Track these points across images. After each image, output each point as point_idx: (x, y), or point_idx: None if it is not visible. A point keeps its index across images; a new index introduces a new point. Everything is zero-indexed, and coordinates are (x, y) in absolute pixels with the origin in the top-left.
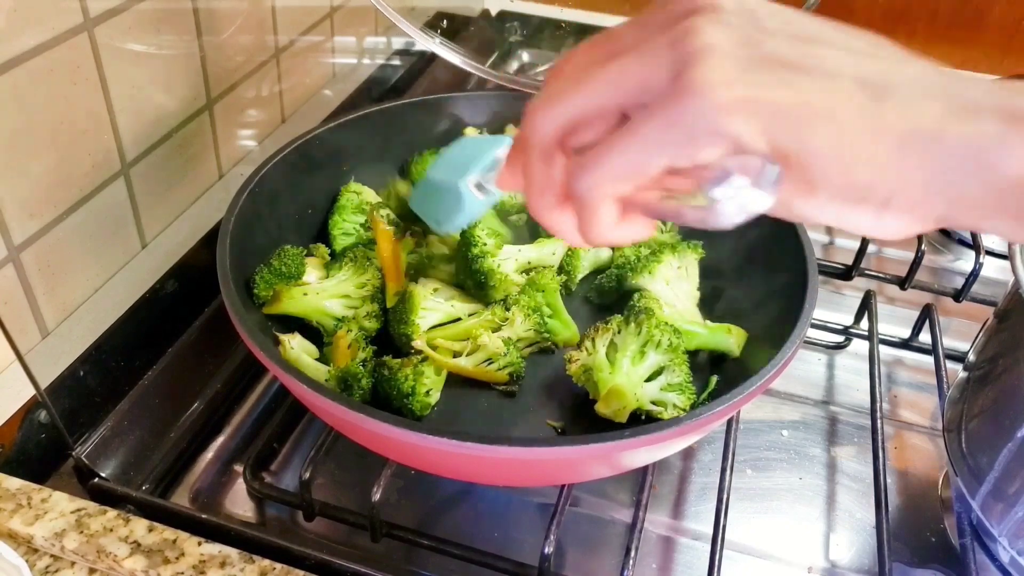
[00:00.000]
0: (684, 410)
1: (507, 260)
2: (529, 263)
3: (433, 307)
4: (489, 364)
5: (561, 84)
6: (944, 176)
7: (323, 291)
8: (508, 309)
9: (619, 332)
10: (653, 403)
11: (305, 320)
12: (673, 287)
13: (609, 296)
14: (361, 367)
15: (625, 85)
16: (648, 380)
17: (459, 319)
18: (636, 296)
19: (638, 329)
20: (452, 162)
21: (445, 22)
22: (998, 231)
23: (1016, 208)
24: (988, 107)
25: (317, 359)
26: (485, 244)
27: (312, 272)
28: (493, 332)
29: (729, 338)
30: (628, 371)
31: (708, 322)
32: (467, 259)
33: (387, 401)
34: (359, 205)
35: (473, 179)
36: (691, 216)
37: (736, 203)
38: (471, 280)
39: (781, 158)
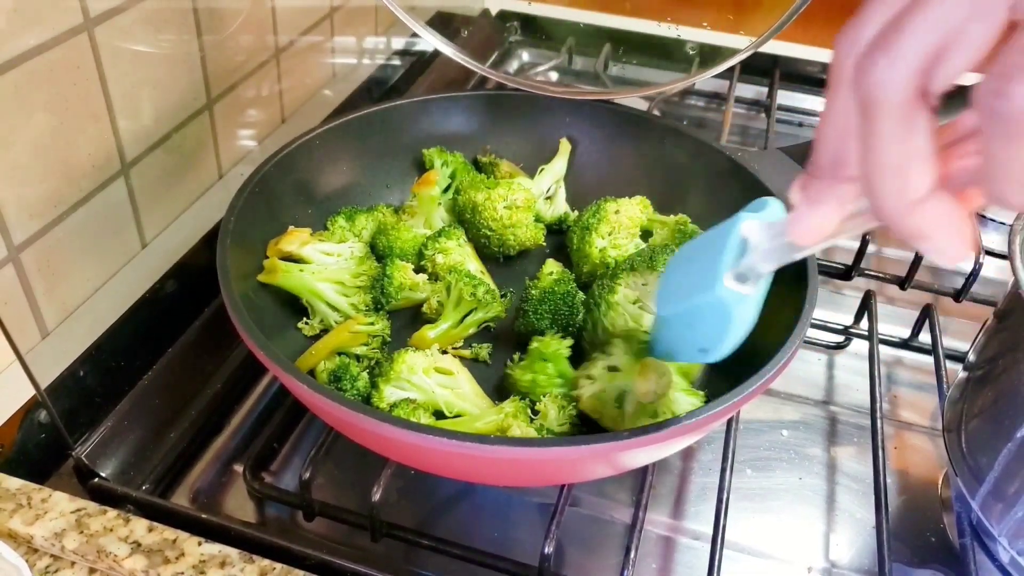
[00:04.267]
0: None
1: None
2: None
3: (419, 385)
4: None
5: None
6: None
7: (318, 272)
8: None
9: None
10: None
11: (295, 296)
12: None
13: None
14: (355, 360)
15: None
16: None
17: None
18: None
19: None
20: (686, 276)
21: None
22: None
23: None
24: None
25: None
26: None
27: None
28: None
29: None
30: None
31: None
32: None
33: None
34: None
35: (731, 275)
36: None
37: None
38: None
39: None
